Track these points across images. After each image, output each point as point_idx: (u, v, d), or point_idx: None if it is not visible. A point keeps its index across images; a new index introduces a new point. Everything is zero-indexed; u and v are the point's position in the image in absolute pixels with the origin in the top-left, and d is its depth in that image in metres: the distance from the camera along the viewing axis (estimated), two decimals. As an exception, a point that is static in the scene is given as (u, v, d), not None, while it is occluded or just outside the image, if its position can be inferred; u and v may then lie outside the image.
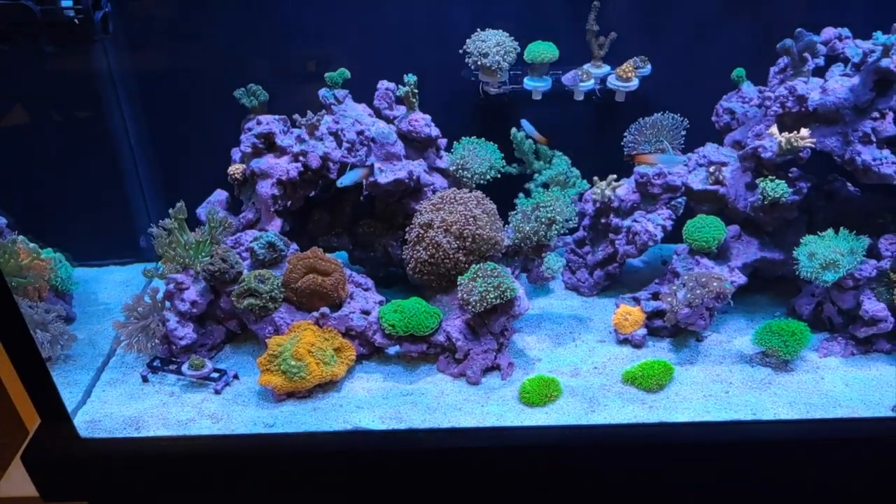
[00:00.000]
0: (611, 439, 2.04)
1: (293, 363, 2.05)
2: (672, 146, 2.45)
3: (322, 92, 2.41)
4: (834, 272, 2.14)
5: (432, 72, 2.44)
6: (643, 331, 2.32)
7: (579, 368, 2.26)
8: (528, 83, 2.47)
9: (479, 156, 2.38)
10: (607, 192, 2.40)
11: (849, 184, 2.46)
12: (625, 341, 2.35)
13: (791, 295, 2.43)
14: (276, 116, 2.33)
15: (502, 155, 2.43)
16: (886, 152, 2.10)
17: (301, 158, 2.24)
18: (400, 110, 2.42)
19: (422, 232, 2.21)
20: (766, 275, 2.44)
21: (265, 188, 2.26)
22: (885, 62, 2.03)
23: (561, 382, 2.16)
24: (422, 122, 2.33)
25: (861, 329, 2.21)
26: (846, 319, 2.27)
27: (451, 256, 2.17)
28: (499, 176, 2.40)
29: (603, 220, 2.46)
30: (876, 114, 2.10)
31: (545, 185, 2.57)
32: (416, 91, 2.30)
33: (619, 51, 2.51)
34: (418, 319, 2.14)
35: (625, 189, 2.42)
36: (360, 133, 2.28)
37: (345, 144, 2.27)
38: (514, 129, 2.51)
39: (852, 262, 2.14)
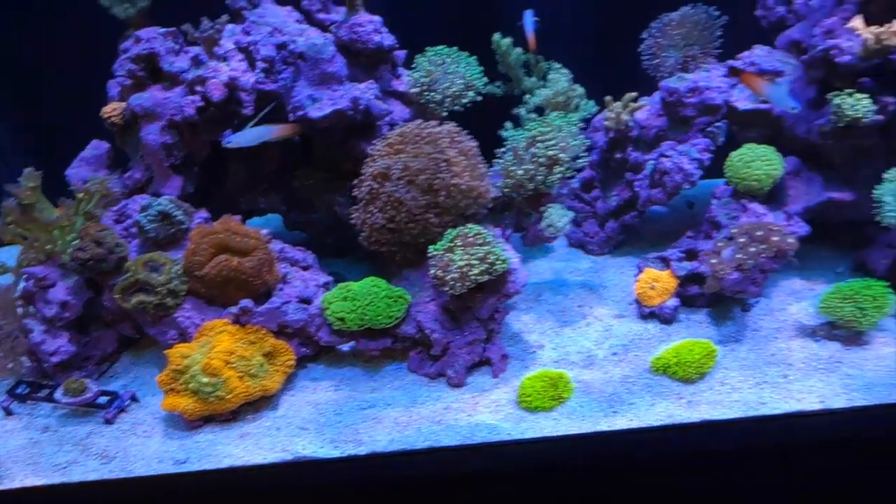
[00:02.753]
0: (639, 449, 1.62)
1: (205, 380, 1.52)
2: (705, 51, 1.87)
3: (230, -11, 1.76)
4: (930, 217, 1.65)
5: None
6: (675, 301, 1.84)
7: (594, 356, 1.79)
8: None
9: (450, 72, 1.77)
10: (624, 117, 1.85)
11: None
12: (650, 315, 1.87)
13: (858, 245, 1.96)
14: (162, 29, 1.68)
15: (482, 69, 1.82)
16: None
17: (198, 88, 1.62)
18: (340, 13, 1.78)
19: (376, 186, 1.63)
20: (827, 220, 1.94)
21: (153, 135, 1.66)
22: None
23: (571, 377, 1.68)
24: (369, 28, 1.72)
25: (956, 289, 1.74)
26: (935, 275, 1.80)
27: (419, 218, 1.62)
28: (479, 99, 1.81)
29: (618, 155, 1.93)
30: None
31: (539, 110, 1.99)
32: (358, -17, 1.67)
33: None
34: (376, 308, 1.60)
35: (646, 112, 1.88)
36: (281, 47, 1.65)
37: (259, 64, 1.64)
38: (496, 35, 1.92)
39: (956, 202, 1.65)
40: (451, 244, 1.60)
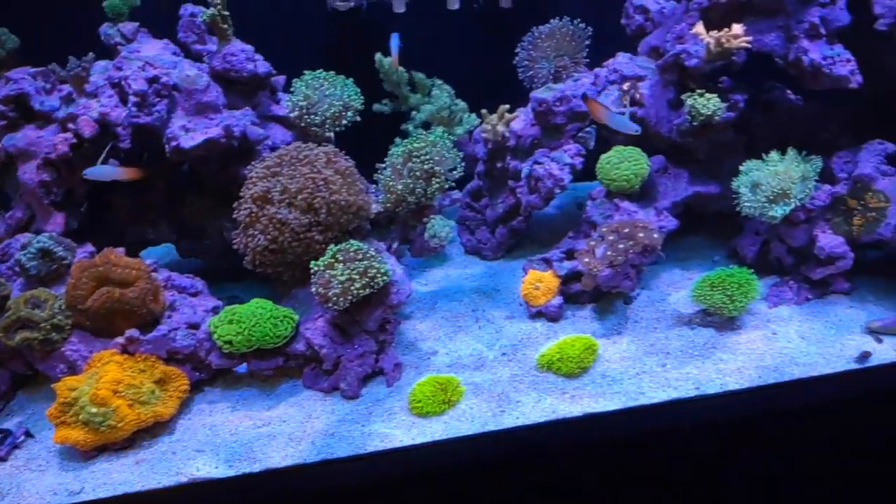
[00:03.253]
0: (525, 445, 1.67)
1: (94, 410, 1.55)
2: (575, 60, 1.98)
3: (103, 29, 1.80)
4: (784, 205, 1.77)
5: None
6: (558, 299, 1.92)
7: (485, 357, 1.85)
8: (385, -8, 1.93)
9: (328, 95, 1.83)
10: (500, 129, 1.93)
11: (788, 91, 2.07)
12: (538, 314, 1.95)
13: (732, 233, 2.07)
14: (32, 69, 1.71)
15: (358, 90, 1.89)
16: (839, 48, 1.70)
17: (70, 126, 1.65)
18: (214, 43, 1.83)
19: (255, 209, 1.68)
20: (701, 211, 2.06)
21: (29, 174, 1.67)
22: (834, -74, 1.60)
23: (461, 380, 1.75)
24: (242, 57, 1.77)
25: (816, 270, 1.87)
26: (797, 259, 1.92)
27: (302, 237, 1.67)
28: (358, 119, 1.87)
29: (499, 164, 2.00)
30: (825, -2, 1.68)
31: (426, 125, 2.07)
32: (226, 14, 1.72)
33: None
34: (262, 329, 1.65)
35: (521, 122, 1.96)
36: (153, 80, 1.68)
37: (132, 99, 1.67)
38: (378, 55, 1.98)
39: (804, 190, 1.77)
40: (333, 260, 1.65)
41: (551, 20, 1.99)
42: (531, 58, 1.99)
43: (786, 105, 2.04)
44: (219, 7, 1.71)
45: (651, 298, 2.00)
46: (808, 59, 1.69)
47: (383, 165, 1.79)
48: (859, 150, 1.86)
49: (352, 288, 1.60)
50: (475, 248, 2.14)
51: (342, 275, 1.61)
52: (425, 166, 1.73)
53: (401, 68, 2.00)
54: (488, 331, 1.94)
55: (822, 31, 1.69)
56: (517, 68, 2.03)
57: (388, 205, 1.78)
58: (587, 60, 2.01)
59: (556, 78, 1.99)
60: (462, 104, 2.05)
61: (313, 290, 1.64)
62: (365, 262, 1.63)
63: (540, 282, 1.92)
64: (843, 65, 1.68)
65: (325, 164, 1.66)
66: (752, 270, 1.93)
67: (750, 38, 1.71)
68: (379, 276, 1.64)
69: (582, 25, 1.98)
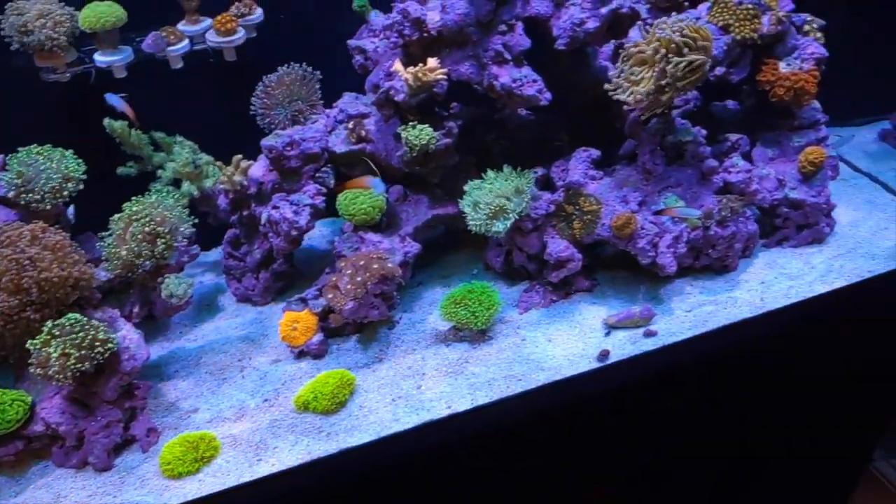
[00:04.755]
0: (279, 492, 1.70)
1: None
2: (311, 102, 2.06)
3: None
4: (504, 219, 1.89)
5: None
6: (319, 336, 1.97)
7: (246, 406, 1.88)
8: (100, 59, 1.94)
9: (44, 169, 1.83)
10: (237, 178, 1.98)
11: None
12: (302, 354, 1.99)
13: (481, 247, 2.19)
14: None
15: (80, 161, 1.88)
16: (526, 70, 1.85)
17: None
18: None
19: (-36, 298, 1.65)
20: (455, 229, 2.17)
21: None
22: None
23: (218, 434, 1.77)
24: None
25: (553, 273, 2.01)
26: (539, 265, 2.06)
27: (17, 319, 1.65)
28: (81, 187, 1.87)
29: (245, 212, 2.04)
30: (503, 27, 1.82)
31: (176, 182, 2.10)
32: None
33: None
34: (-14, 418, 1.62)
35: (260, 168, 2.01)
36: None
37: None
38: (107, 120, 1.99)
39: (521, 203, 1.90)
40: (49, 337, 1.64)
41: (280, 67, 2.06)
42: (266, 105, 2.05)
43: (517, 121, 2.19)
44: None
45: (412, 320, 2.09)
46: (499, 83, 1.83)
47: (107, 233, 1.80)
48: (570, 157, 2.02)
49: (68, 363, 1.60)
50: (245, 296, 2.17)
51: (57, 350, 1.60)
52: (147, 228, 1.75)
53: (137, 131, 2.02)
54: (252, 378, 1.96)
55: (508, 56, 1.83)
56: (255, 116, 2.08)
57: (118, 271, 1.79)
58: (322, 102, 2.09)
59: (294, 121, 2.06)
60: (206, 157, 2.08)
61: (31, 370, 1.62)
62: (82, 334, 1.63)
63: (297, 322, 1.97)
64: (531, 85, 1.83)
65: (29, 243, 1.65)
66: (505, 279, 2.06)
67: (445, 70, 1.83)
68: (100, 346, 1.64)
69: (309, 69, 2.07)
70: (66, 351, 1.60)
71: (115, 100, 1.92)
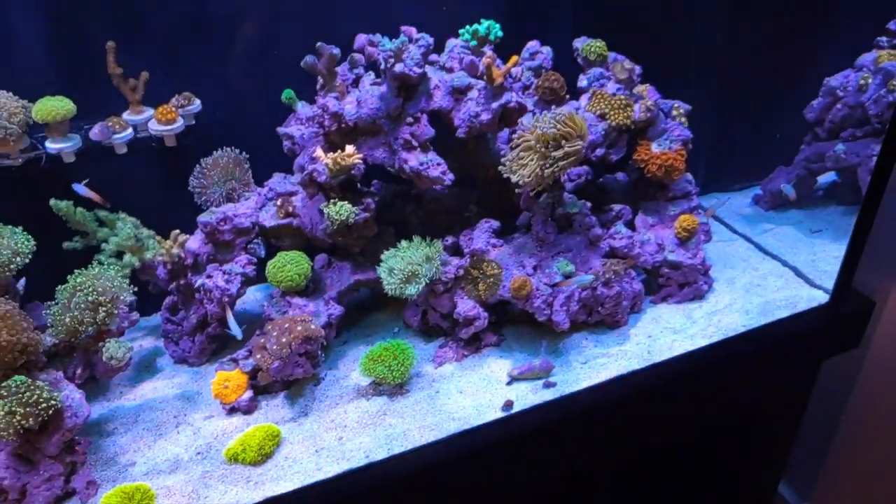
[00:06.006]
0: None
1: None
2: (243, 182, 2.33)
3: None
4: (416, 283, 2.16)
5: None
6: (249, 394, 2.17)
7: (181, 459, 2.06)
8: (51, 146, 2.18)
9: (-5, 246, 2.05)
10: (174, 251, 2.21)
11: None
12: (233, 410, 2.19)
13: (402, 308, 2.45)
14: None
15: (29, 237, 2.10)
16: (431, 155, 2.15)
17: None
18: None
19: (-81, 364, 1.84)
20: (379, 291, 2.42)
21: None
22: (398, 67, 2.06)
23: (152, 485, 1.95)
24: None
25: (462, 330, 2.27)
26: (452, 323, 2.32)
27: (-34, 383, 1.84)
28: (28, 261, 2.09)
29: (182, 281, 2.27)
30: (410, 119, 2.13)
31: (120, 254, 2.32)
32: None
33: (169, 87, 2.32)
34: (-70, 476, 1.78)
35: (197, 241, 2.25)
36: None
37: None
38: (53, 200, 2.22)
39: (431, 269, 2.18)
40: (-5, 399, 1.83)
41: (214, 151, 2.33)
42: (202, 185, 2.31)
43: (431, 195, 2.49)
44: None
45: (337, 377, 2.31)
46: (408, 166, 2.13)
47: (53, 302, 2.01)
48: (475, 227, 2.32)
49: (14, 420, 1.79)
50: (182, 357, 2.37)
51: (3, 409, 1.79)
52: (89, 298, 1.97)
53: (81, 209, 2.25)
54: (187, 434, 2.15)
55: (415, 143, 2.13)
56: (193, 194, 2.34)
57: (62, 336, 1.99)
58: (252, 181, 2.36)
59: (228, 199, 2.32)
60: (148, 232, 2.32)
61: (-21, 430, 1.80)
62: (28, 394, 1.82)
63: (228, 381, 2.18)
64: (435, 167, 2.13)
65: (-21, 312, 1.85)
66: (423, 336, 2.31)
67: (361, 155, 2.12)
68: (44, 405, 1.83)
69: (242, 152, 2.34)
70: (13, 409, 1.79)
71: (81, 189, 2.16)
